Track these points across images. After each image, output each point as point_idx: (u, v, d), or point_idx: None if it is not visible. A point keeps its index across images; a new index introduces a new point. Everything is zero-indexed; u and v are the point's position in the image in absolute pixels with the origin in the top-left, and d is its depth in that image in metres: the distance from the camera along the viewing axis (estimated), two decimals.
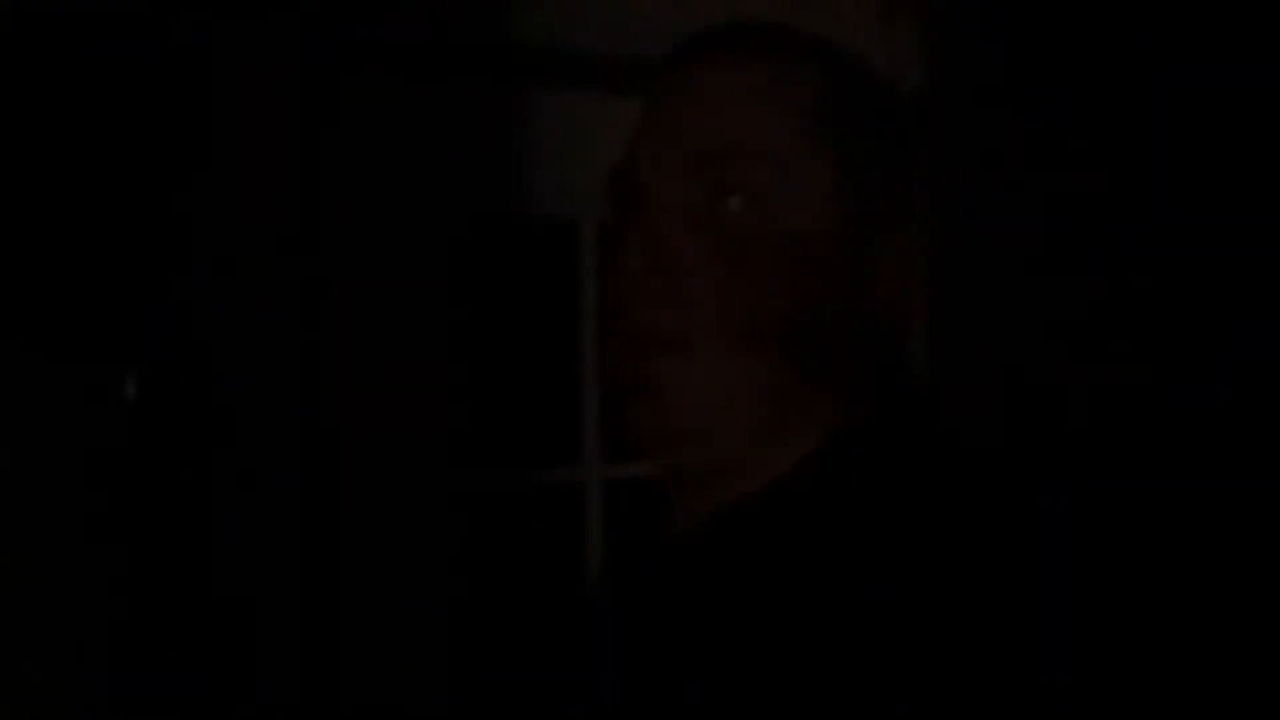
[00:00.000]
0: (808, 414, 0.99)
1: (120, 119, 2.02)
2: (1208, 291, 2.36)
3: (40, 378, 2.05)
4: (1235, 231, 2.40)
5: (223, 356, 2.04)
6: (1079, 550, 0.94)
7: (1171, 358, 2.33)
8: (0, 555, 2.00)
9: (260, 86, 2.03)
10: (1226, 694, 2.01)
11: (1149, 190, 2.33)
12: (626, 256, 1.00)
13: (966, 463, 1.00)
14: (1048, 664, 0.87)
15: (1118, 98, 2.29)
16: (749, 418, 0.98)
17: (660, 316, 0.98)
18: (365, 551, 2.06)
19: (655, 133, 1.03)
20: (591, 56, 2.17)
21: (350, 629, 2.04)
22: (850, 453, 0.99)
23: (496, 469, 2.30)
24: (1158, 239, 2.34)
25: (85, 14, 2.00)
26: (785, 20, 2.21)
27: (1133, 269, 2.31)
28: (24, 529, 2.02)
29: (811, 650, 0.87)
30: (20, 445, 2.04)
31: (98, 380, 2.08)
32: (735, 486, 1.00)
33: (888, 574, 0.88)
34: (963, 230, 2.26)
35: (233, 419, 2.05)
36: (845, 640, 0.87)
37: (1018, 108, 2.25)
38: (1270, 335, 2.39)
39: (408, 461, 2.08)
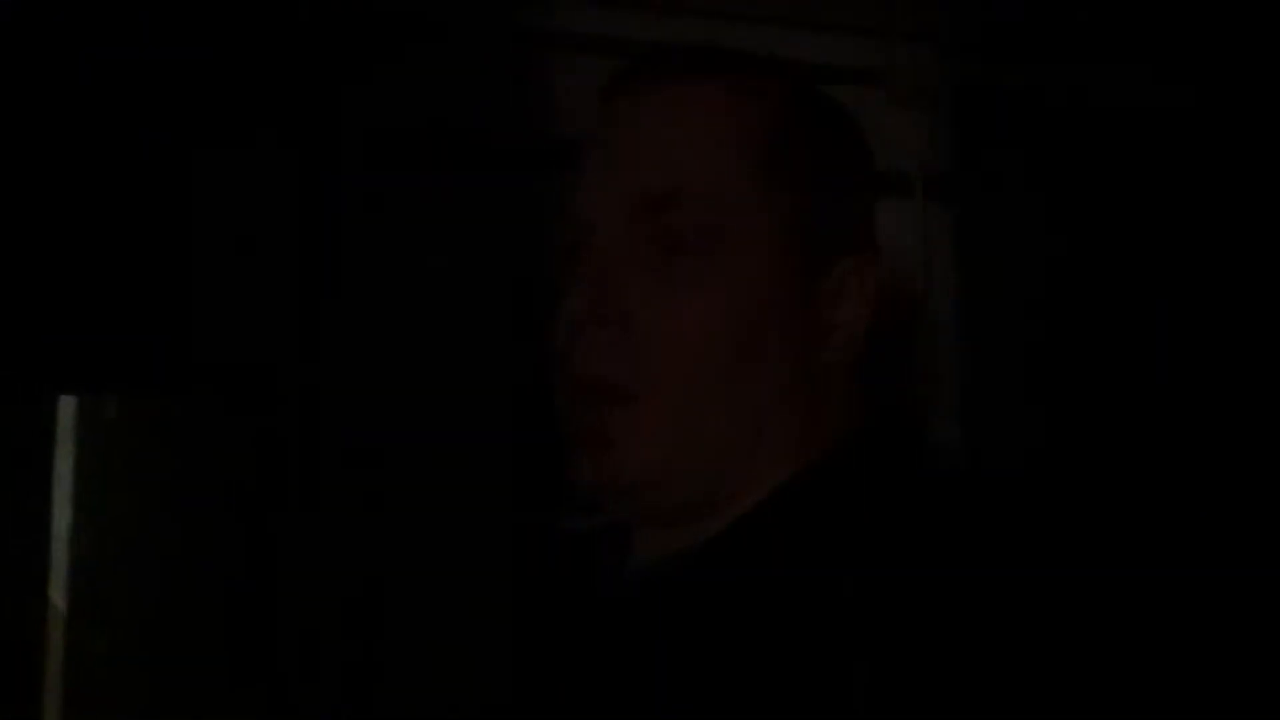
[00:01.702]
0: (765, 456, 0.97)
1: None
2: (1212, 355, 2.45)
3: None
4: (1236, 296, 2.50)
5: (286, 388, 2.14)
6: (1050, 592, 0.92)
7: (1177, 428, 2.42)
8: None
9: None
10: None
11: (1167, 264, 2.44)
12: (571, 299, 0.98)
13: (931, 500, 0.98)
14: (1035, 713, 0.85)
15: (1136, 178, 2.39)
16: (700, 467, 0.96)
17: (603, 367, 0.96)
18: (423, 590, 2.14)
19: (600, 170, 1.01)
20: None
21: (402, 663, 2.13)
22: (808, 496, 0.97)
23: (557, 508, 2.32)
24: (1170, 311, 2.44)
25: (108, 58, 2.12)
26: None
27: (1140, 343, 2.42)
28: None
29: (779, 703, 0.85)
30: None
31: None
32: (693, 531, 0.98)
33: (847, 628, 0.86)
34: (979, 309, 2.36)
35: (294, 451, 2.14)
36: (811, 691, 0.85)
37: (1033, 188, 2.34)
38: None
39: (470, 498, 2.16)
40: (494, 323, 2.21)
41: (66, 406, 2.18)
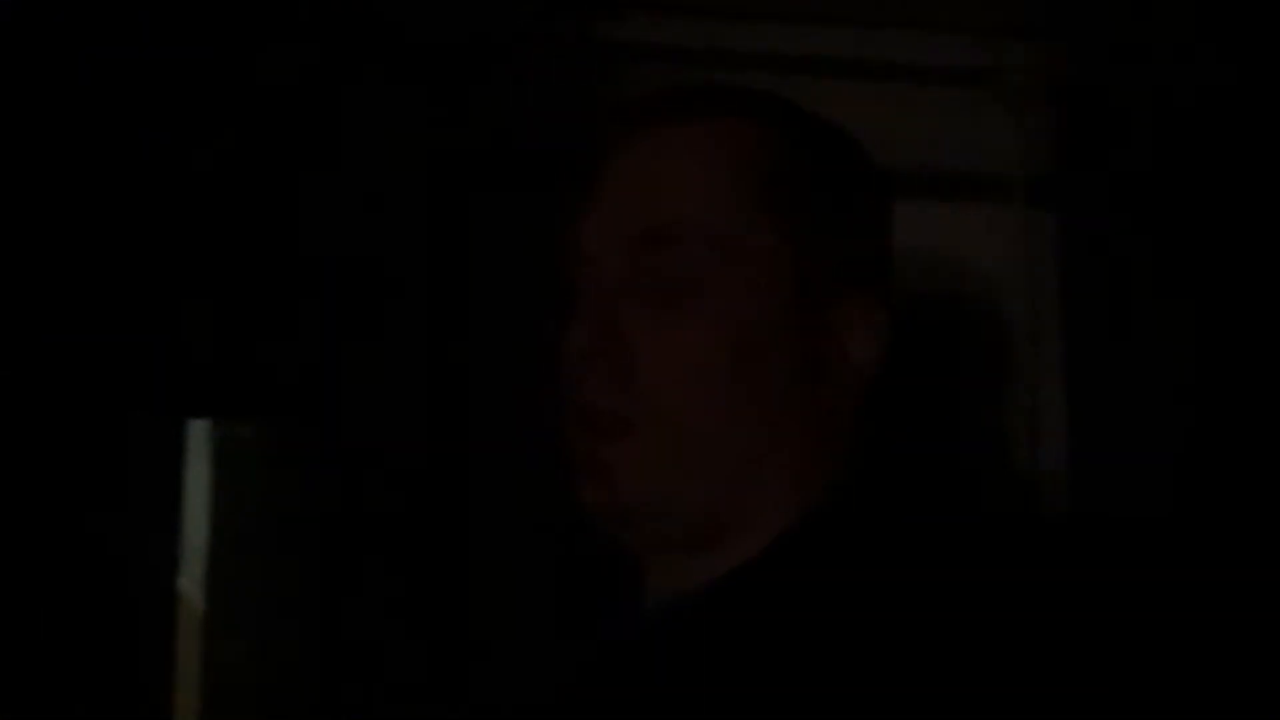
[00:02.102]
0: (768, 488, 0.99)
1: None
2: None
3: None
4: None
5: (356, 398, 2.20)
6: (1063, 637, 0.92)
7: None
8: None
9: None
10: None
11: None
12: (573, 331, 1.00)
13: (935, 541, 0.98)
14: None
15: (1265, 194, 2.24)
16: (699, 497, 0.98)
17: (602, 399, 0.98)
18: (496, 582, 2.17)
19: (600, 204, 1.02)
20: None
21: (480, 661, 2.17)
22: (819, 535, 0.98)
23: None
24: None
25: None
26: (905, 112, 2.26)
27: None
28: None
29: None
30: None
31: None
32: (707, 563, 0.99)
33: (860, 665, 0.87)
34: (1086, 327, 2.26)
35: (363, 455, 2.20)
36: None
37: (1154, 197, 2.22)
38: None
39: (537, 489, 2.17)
40: None
41: (200, 429, 2.30)
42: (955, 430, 2.25)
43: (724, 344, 0.97)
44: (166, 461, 2.27)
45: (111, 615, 2.15)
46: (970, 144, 2.31)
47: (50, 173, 2.16)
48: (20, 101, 2.13)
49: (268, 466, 2.33)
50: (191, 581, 2.32)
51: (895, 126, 2.18)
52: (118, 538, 2.17)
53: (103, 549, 2.15)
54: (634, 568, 1.07)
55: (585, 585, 2.00)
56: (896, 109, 2.29)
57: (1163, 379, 2.20)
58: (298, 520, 2.28)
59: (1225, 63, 2.22)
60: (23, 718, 2.06)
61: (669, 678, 0.95)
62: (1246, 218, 2.21)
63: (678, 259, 0.98)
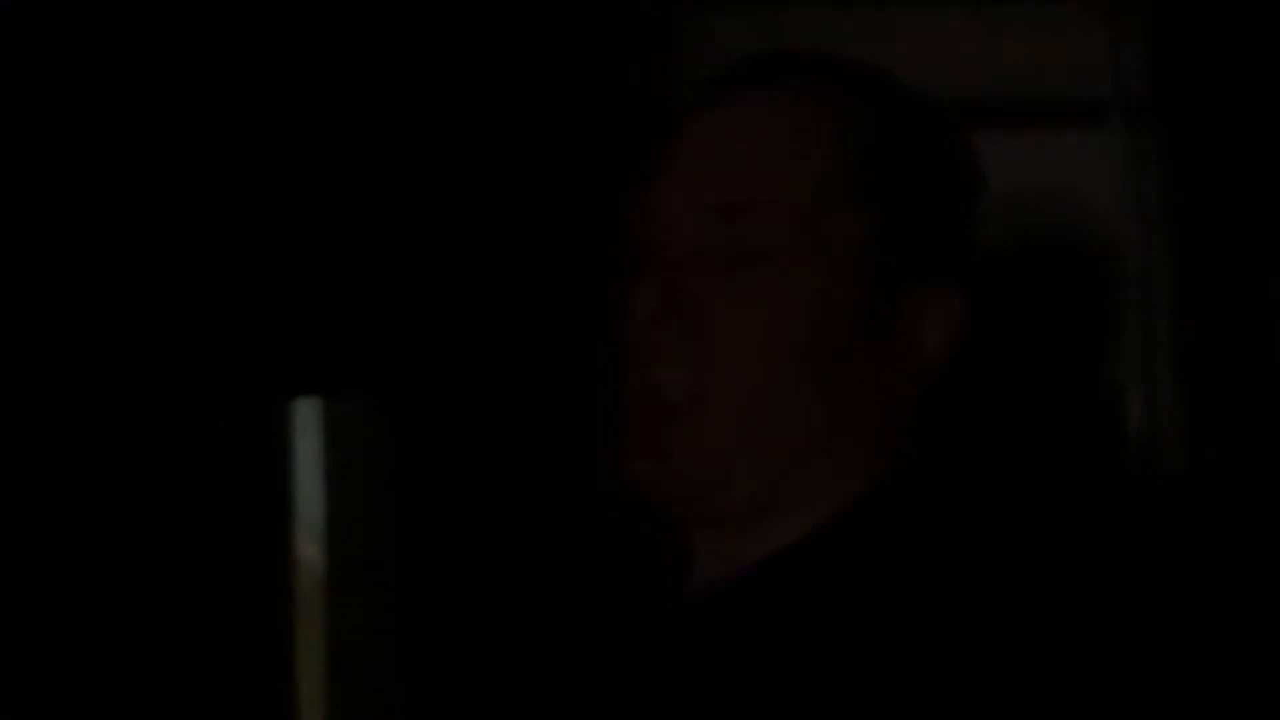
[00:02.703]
0: (830, 470, 0.98)
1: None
2: None
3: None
4: None
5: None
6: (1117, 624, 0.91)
7: None
8: None
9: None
10: None
11: None
12: (642, 299, 0.99)
13: (995, 527, 0.98)
14: None
15: None
16: (761, 473, 0.97)
17: (669, 369, 0.97)
18: (578, 592, 2.22)
19: (682, 171, 1.01)
20: None
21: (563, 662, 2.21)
22: (874, 513, 0.97)
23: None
24: None
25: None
26: (999, 31, 2.15)
27: None
28: None
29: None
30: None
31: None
32: (761, 542, 0.98)
33: (927, 645, 0.87)
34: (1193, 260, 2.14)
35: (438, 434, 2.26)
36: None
37: (1247, 116, 2.09)
38: None
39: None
40: None
41: (309, 407, 2.38)
42: (1060, 385, 2.12)
43: (799, 319, 0.96)
44: (277, 437, 2.35)
45: (229, 584, 2.24)
46: (1064, 66, 2.19)
47: (151, 157, 2.22)
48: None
49: (374, 441, 2.39)
50: (314, 547, 2.41)
51: (984, 51, 2.14)
52: (233, 510, 2.26)
53: (218, 521, 2.25)
54: (680, 549, 1.06)
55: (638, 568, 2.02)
56: (985, 32, 2.20)
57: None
58: (401, 494, 2.35)
59: None
60: (143, 688, 2.14)
61: (723, 656, 0.95)
62: None
63: (757, 228, 0.96)
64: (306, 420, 2.37)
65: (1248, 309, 2.09)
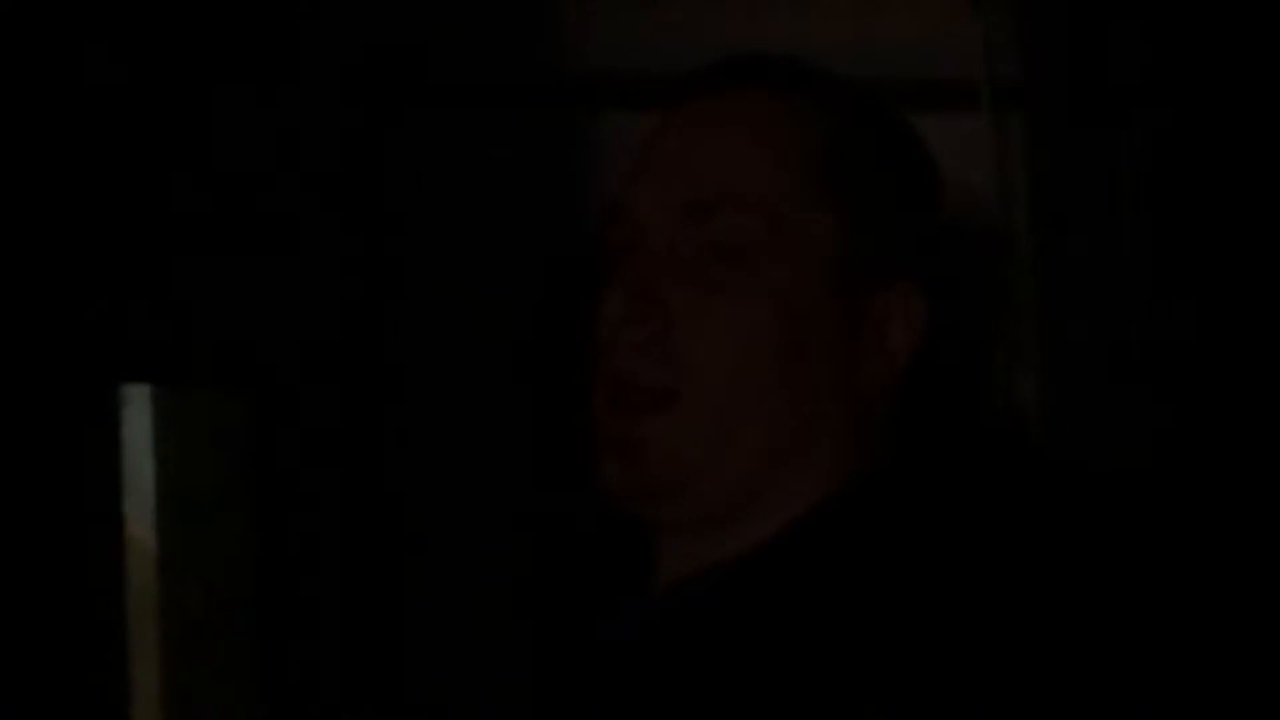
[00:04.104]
0: (798, 471, 0.98)
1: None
2: None
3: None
4: None
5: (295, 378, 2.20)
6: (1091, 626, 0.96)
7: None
8: None
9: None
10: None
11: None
12: (613, 297, 1.00)
13: (968, 523, 0.99)
14: None
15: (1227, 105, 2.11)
16: (732, 473, 0.97)
17: (639, 368, 0.97)
18: (437, 575, 2.20)
19: (653, 172, 1.02)
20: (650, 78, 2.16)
21: (417, 648, 2.21)
22: (846, 512, 0.98)
23: (574, 490, 2.34)
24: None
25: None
26: (873, 13, 2.13)
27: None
28: None
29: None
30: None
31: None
32: (728, 543, 0.98)
33: (898, 645, 0.88)
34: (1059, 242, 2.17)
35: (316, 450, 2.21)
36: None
37: (1113, 105, 2.12)
38: None
39: (486, 483, 2.19)
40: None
41: (139, 394, 2.33)
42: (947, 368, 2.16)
43: (770, 319, 0.97)
44: (105, 423, 2.29)
45: (59, 567, 2.20)
46: (936, 51, 2.20)
47: None
48: None
49: (207, 428, 2.37)
50: (144, 526, 2.36)
51: (859, 34, 2.13)
52: (62, 494, 2.22)
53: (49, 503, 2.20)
54: (637, 556, 1.05)
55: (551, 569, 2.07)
56: (859, 15, 2.19)
57: (1138, 293, 2.14)
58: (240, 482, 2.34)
59: None
60: None
61: (691, 657, 0.95)
62: (1221, 120, 2.14)
63: (728, 228, 0.97)
64: (138, 405, 2.31)
65: (1109, 291, 2.14)
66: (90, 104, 2.13)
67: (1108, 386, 2.12)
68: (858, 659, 0.88)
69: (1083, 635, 0.93)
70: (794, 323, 0.97)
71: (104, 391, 2.27)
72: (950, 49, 2.19)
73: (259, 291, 2.20)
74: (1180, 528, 1.94)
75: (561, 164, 2.22)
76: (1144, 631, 0.94)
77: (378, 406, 2.22)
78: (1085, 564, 1.02)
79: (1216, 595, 1.83)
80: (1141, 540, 1.82)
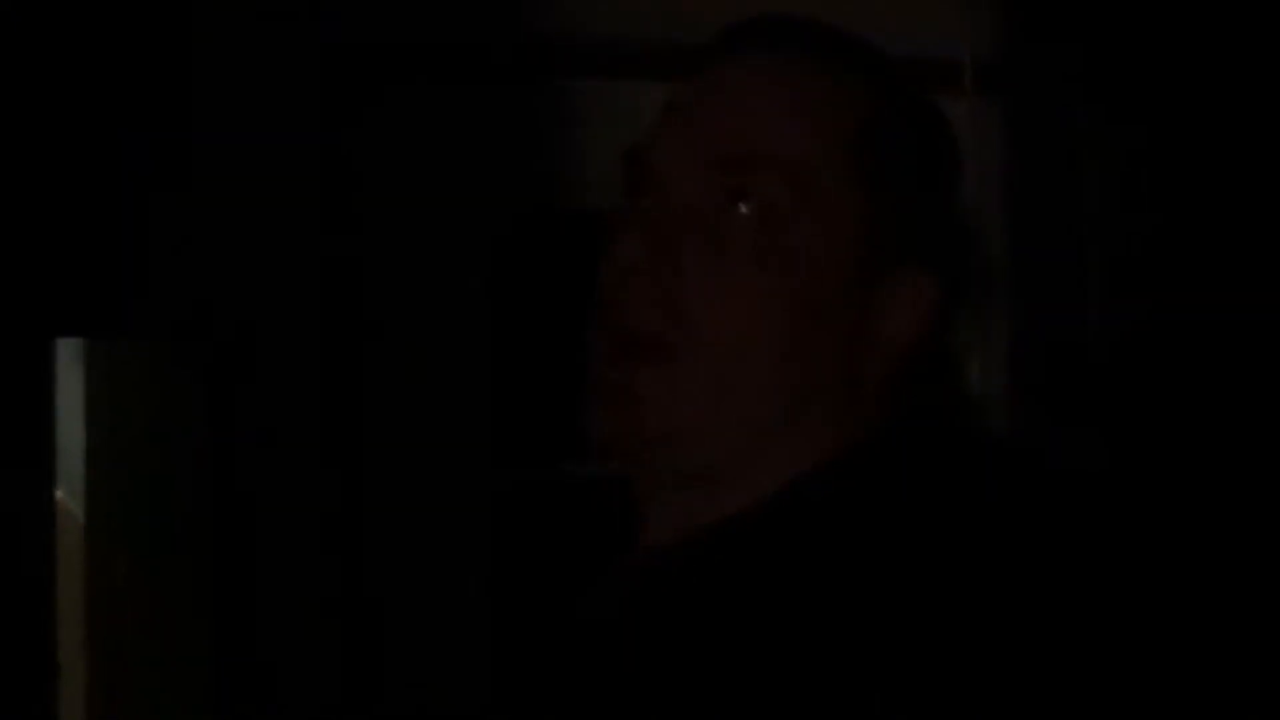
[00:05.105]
0: (792, 438, 0.98)
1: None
2: None
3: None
4: None
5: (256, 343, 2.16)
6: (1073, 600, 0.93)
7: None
8: None
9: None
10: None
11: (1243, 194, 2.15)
12: (624, 245, 0.98)
13: (955, 494, 0.98)
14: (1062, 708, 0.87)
15: (1204, 94, 2.11)
16: (725, 434, 0.97)
17: (646, 318, 0.96)
18: (402, 548, 2.15)
19: (681, 124, 1.00)
20: (629, 44, 2.14)
21: (390, 626, 2.15)
22: (836, 480, 0.97)
23: (539, 465, 2.31)
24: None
25: None
26: None
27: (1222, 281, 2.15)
28: None
29: (811, 686, 0.87)
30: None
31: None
32: (713, 506, 0.98)
33: (879, 612, 0.88)
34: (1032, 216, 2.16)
35: (268, 411, 2.16)
36: (846, 675, 0.86)
37: (1100, 89, 2.11)
38: None
39: (448, 457, 2.14)
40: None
41: (72, 347, 2.27)
42: None
43: (782, 288, 0.96)
44: (35, 378, 2.23)
45: None
46: (916, 28, 2.14)
47: None
48: None
49: (143, 381, 2.33)
50: (72, 494, 2.33)
51: (840, 13, 2.06)
52: None
53: None
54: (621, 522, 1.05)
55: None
56: None
57: (1109, 269, 2.14)
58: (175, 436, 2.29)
59: None
60: None
61: (669, 619, 0.96)
62: (1197, 100, 2.14)
63: (756, 186, 0.96)
64: (70, 359, 2.26)
65: (1075, 276, 2.13)
66: (40, 47, 2.07)
67: (1072, 373, 2.13)
68: (840, 628, 0.88)
69: (1064, 593, 0.93)
70: (806, 295, 0.96)
71: (37, 345, 2.20)
72: (933, 27, 2.16)
73: (221, 245, 2.16)
74: (1151, 515, 1.95)
75: (532, 131, 2.19)
76: (1133, 589, 0.94)
77: (341, 371, 2.16)
78: (1067, 530, 1.00)
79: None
80: (1124, 518, 1.84)
